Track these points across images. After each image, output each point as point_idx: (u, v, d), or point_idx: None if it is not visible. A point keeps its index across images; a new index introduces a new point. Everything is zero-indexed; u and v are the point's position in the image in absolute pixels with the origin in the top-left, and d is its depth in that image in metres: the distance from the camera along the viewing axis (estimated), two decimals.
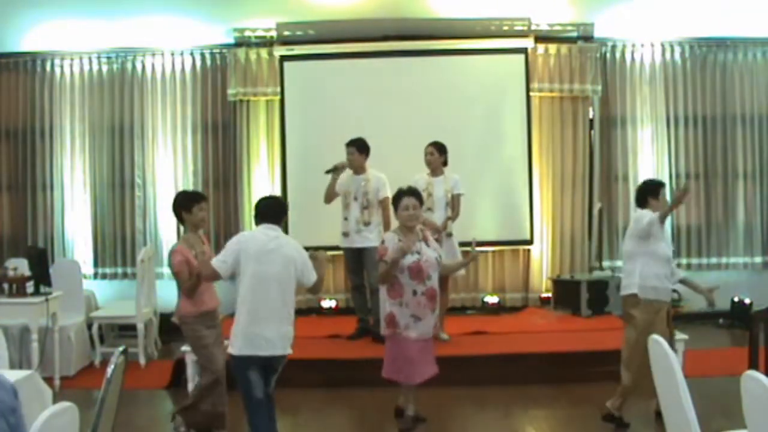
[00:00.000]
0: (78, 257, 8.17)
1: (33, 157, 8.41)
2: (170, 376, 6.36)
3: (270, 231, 4.43)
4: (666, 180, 7.70)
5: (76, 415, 2.66)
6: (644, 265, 5.01)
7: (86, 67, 8.41)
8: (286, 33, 8.24)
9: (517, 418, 5.49)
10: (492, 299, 8.33)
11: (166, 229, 8.29)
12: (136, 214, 8.38)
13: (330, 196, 6.91)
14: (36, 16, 8.32)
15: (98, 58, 8.40)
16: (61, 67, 8.41)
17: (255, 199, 8.10)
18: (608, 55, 8.42)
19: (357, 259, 6.83)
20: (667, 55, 8.42)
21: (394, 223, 5.60)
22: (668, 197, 5.32)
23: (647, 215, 5.03)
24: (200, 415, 4.94)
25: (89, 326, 7.05)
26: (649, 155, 8.41)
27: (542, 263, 8.41)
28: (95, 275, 8.39)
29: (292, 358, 4.47)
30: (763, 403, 2.67)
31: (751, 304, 7.78)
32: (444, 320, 6.69)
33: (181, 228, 5.48)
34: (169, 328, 7.20)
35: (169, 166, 8.40)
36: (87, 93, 8.41)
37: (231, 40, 8.34)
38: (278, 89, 8.24)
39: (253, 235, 4.50)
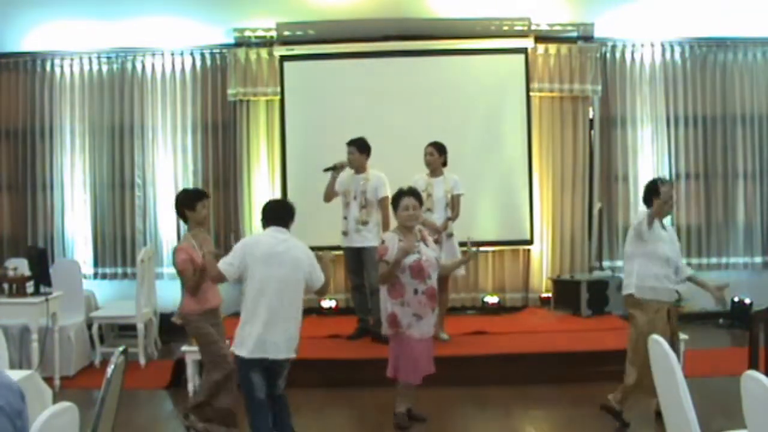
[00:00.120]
0: (78, 257, 8.17)
1: (33, 157, 8.42)
2: (170, 376, 6.35)
3: (278, 234, 4.42)
4: None
5: (76, 415, 2.66)
6: (642, 266, 5.00)
7: (86, 67, 8.41)
8: (286, 33, 8.24)
9: (517, 418, 5.48)
10: (492, 299, 8.34)
11: (166, 229, 8.28)
12: (136, 214, 8.37)
13: (329, 195, 6.90)
14: (36, 17, 8.32)
15: (98, 58, 8.40)
16: (61, 67, 8.41)
17: (255, 199, 8.27)
18: (608, 55, 8.42)
19: (356, 259, 6.83)
20: (667, 55, 8.42)
21: (393, 222, 5.60)
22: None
23: (641, 215, 5.03)
24: (213, 412, 4.91)
25: (89, 326, 7.04)
26: (649, 155, 8.41)
27: (542, 263, 8.41)
28: (95, 275, 8.39)
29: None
30: (763, 403, 2.66)
31: (751, 304, 7.77)
32: (444, 320, 6.69)
33: (182, 227, 5.47)
34: (169, 328, 7.21)
35: (169, 166, 8.40)
36: (87, 93, 8.41)
37: (231, 40, 8.35)
38: (278, 89, 8.25)
39: (259, 238, 4.49)
